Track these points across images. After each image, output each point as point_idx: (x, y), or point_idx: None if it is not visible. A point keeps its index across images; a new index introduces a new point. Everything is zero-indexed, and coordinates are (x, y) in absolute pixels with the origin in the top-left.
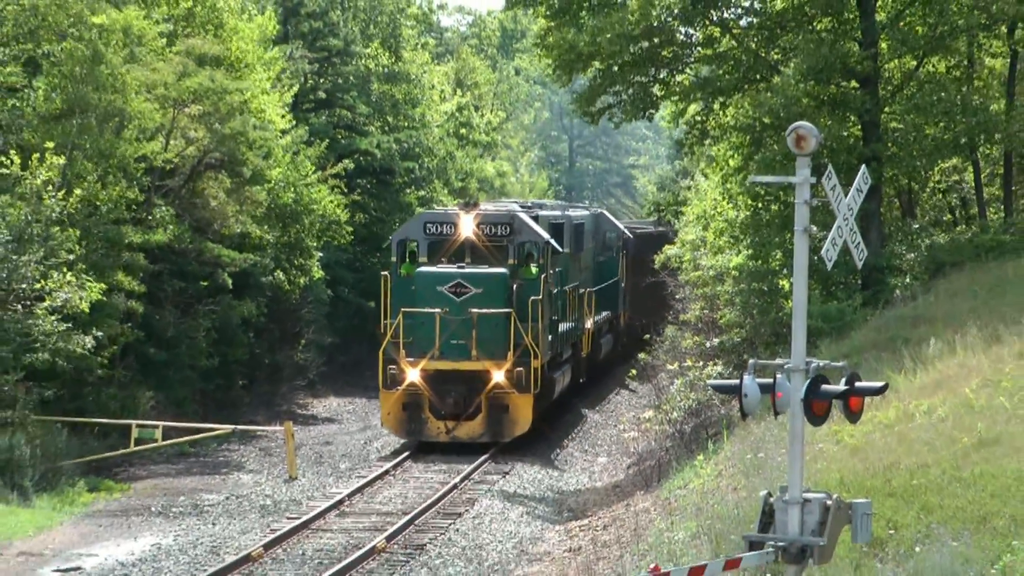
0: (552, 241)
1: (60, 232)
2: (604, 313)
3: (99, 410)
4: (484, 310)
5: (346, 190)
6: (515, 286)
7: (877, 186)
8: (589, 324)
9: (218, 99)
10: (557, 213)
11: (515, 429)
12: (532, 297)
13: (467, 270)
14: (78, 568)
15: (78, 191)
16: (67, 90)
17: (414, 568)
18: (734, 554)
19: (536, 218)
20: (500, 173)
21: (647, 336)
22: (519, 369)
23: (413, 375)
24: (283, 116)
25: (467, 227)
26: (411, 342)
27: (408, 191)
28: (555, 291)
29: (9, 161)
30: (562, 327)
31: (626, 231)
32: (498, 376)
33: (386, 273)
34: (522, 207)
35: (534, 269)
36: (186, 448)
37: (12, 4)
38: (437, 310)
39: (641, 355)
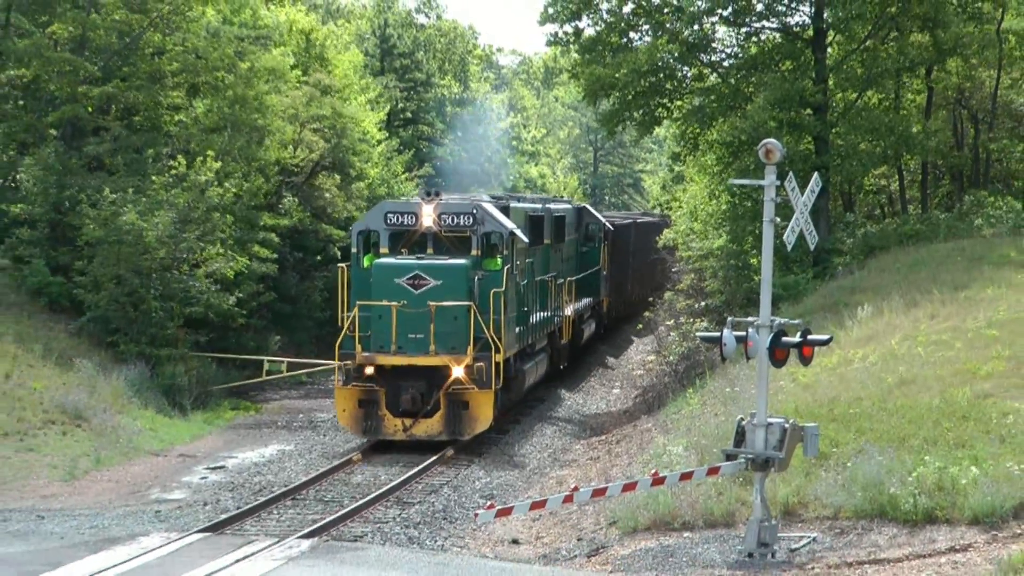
0: (517, 231)
1: (218, 217)
2: (586, 300)
3: (239, 349)
4: (443, 303)
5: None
6: (476, 278)
7: (825, 188)
8: (569, 312)
9: (334, 120)
10: (536, 206)
11: (475, 426)
12: (494, 289)
13: (425, 261)
14: (222, 466)
15: (231, 187)
16: (222, 110)
17: (474, 470)
18: (715, 463)
19: (506, 209)
20: (541, 175)
21: (649, 306)
22: (479, 364)
23: (369, 371)
24: (379, 130)
25: (428, 217)
26: (368, 336)
27: (472, 188)
28: (524, 282)
29: (178, 163)
30: (535, 317)
31: (607, 223)
32: (457, 371)
33: (342, 265)
34: (493, 198)
35: (498, 260)
36: (304, 378)
37: (178, 46)
38: (394, 303)
39: (646, 313)
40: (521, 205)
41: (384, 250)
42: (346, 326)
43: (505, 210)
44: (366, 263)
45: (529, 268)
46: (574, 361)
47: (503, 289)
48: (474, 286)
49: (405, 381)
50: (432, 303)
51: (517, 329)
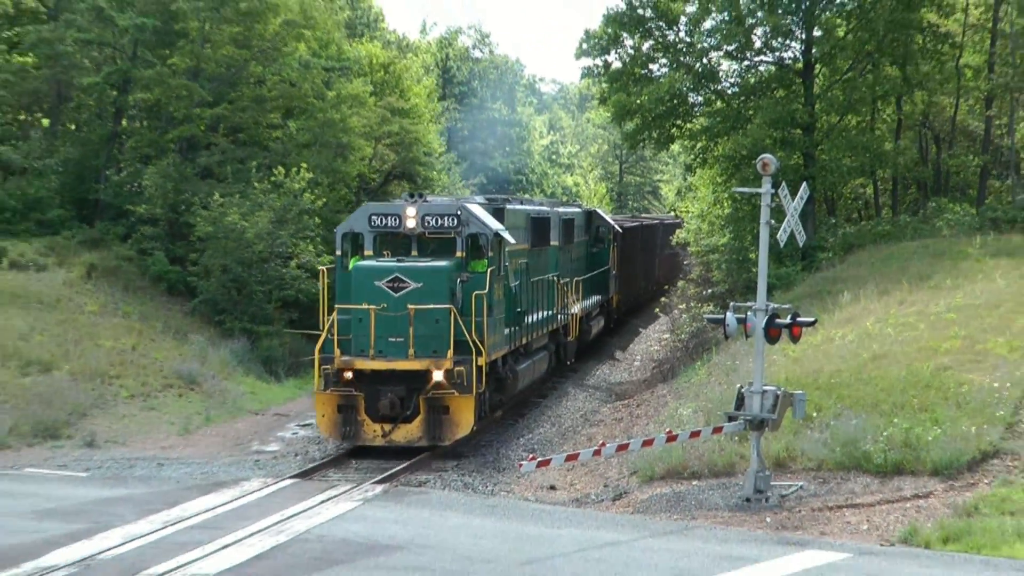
0: (504, 232)
1: (307, 218)
2: (595, 298)
3: None
4: (422, 305)
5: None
6: (459, 280)
7: (812, 195)
8: (576, 310)
9: (403, 136)
10: (542, 208)
11: (456, 432)
12: (476, 291)
13: (406, 263)
14: (310, 424)
15: (321, 196)
16: (312, 129)
17: (518, 429)
18: (719, 424)
19: (500, 211)
20: (576, 184)
21: (655, 297)
22: (460, 368)
23: (348, 375)
24: (439, 143)
25: (411, 219)
26: (348, 340)
27: (518, 194)
28: (517, 282)
29: (278, 172)
30: (533, 317)
31: (616, 226)
32: (437, 376)
33: (323, 268)
34: (488, 200)
35: (485, 262)
36: None
37: (276, 75)
38: (373, 306)
39: (663, 299)
40: (520, 207)
41: (368, 252)
42: (325, 329)
43: (499, 212)
44: (351, 265)
45: (523, 268)
46: (583, 355)
47: (486, 291)
48: (456, 288)
49: (384, 386)
50: (411, 306)
51: (507, 330)
